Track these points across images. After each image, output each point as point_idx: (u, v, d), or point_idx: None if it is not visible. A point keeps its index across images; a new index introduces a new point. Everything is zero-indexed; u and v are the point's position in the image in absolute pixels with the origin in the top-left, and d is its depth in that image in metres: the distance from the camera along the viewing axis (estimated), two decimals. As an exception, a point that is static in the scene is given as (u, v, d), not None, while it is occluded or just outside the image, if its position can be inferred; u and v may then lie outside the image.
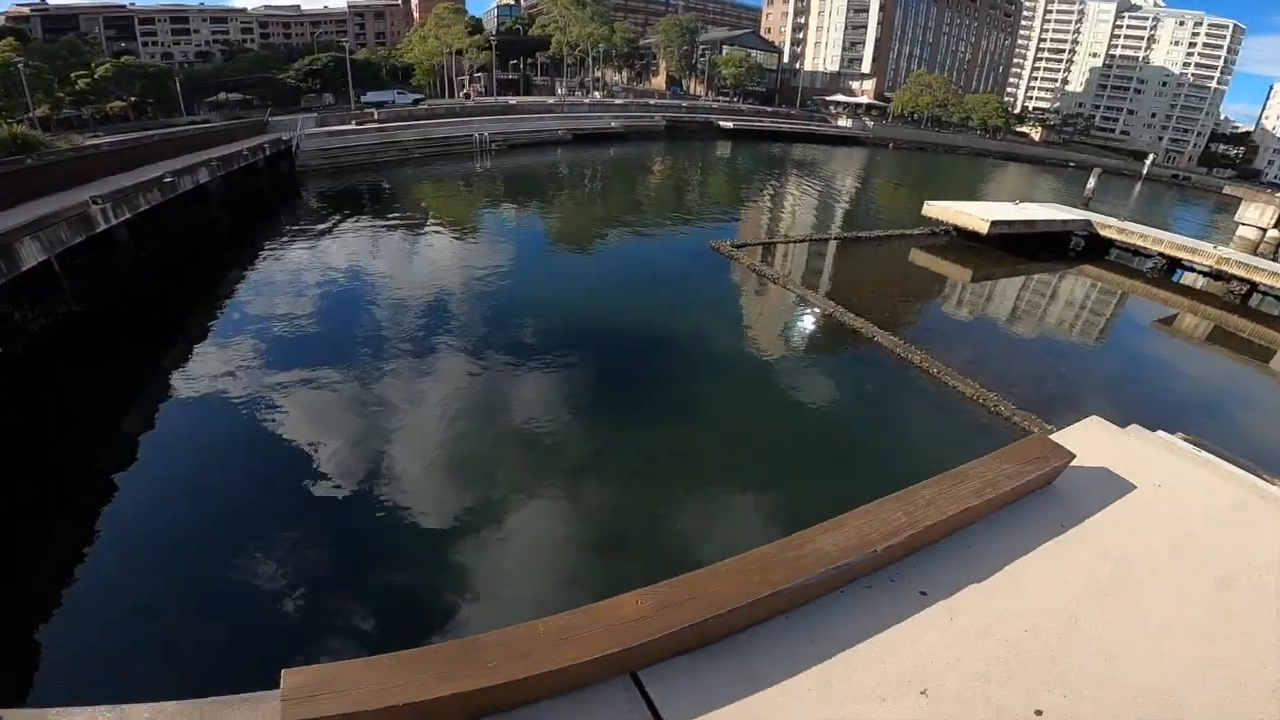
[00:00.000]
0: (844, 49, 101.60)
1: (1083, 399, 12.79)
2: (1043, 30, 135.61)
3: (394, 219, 24.57)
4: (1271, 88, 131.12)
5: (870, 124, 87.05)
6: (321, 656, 5.89)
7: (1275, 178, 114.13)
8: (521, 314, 14.81)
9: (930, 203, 25.48)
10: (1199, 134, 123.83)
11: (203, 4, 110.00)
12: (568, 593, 6.82)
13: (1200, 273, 22.49)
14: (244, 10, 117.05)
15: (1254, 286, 20.08)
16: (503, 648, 2.08)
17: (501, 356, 12.21)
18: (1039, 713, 2.37)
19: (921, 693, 2.41)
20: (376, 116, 47.65)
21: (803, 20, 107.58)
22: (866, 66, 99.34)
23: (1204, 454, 4.69)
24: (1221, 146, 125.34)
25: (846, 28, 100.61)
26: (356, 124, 45.16)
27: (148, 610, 6.45)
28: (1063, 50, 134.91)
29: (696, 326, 14.82)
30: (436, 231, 23.17)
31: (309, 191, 31.12)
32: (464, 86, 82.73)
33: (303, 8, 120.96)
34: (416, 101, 70.42)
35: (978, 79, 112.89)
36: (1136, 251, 24.72)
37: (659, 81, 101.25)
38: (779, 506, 8.47)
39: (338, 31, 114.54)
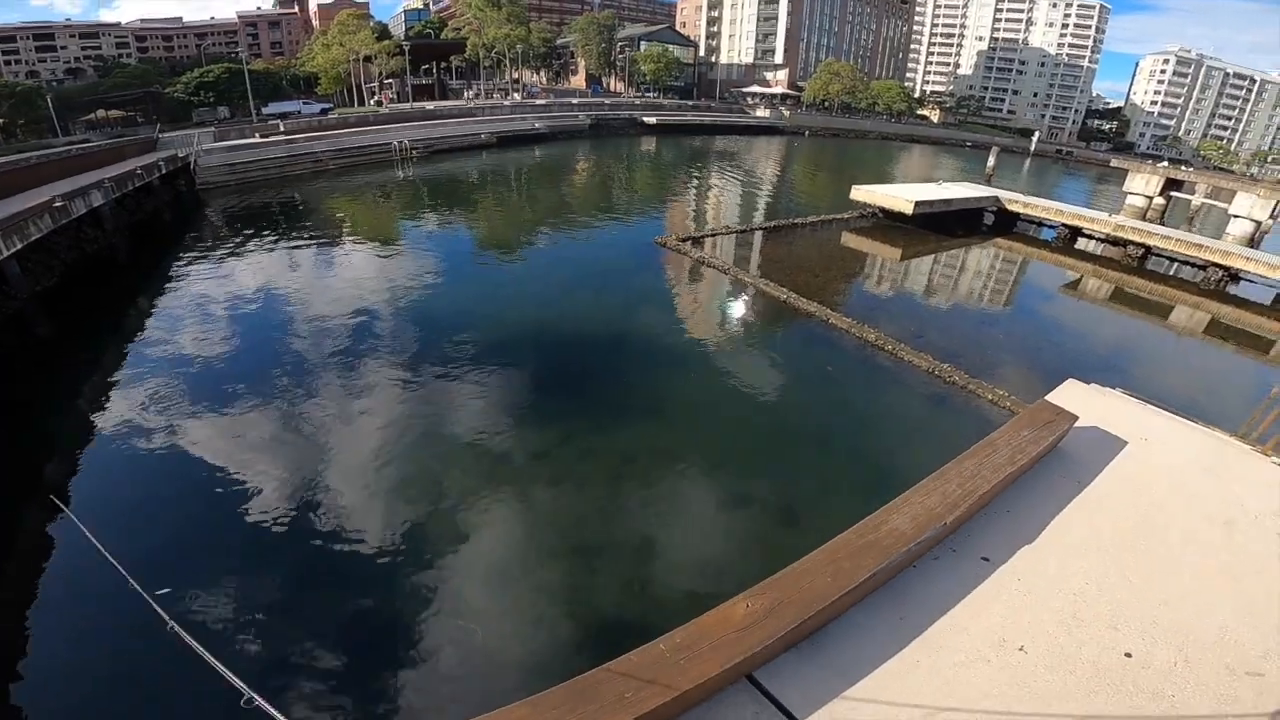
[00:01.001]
0: (757, 40, 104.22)
1: (1019, 362, 13.71)
2: (934, 15, 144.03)
3: (311, 235, 22.98)
4: (1137, 64, 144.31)
5: (786, 113, 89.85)
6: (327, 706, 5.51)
7: (1147, 149, 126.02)
8: (471, 326, 13.97)
9: (857, 187, 26.57)
10: (1076, 110, 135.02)
11: (69, 19, 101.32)
12: (579, 607, 6.67)
13: (1099, 239, 24.52)
14: (117, 24, 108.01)
15: (1149, 249, 22.09)
16: (632, 675, 1.98)
17: (463, 372, 11.69)
18: (1128, 655, 2.52)
19: (1020, 649, 2.52)
20: (282, 128, 44.93)
21: (716, 14, 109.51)
22: (779, 57, 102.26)
23: (1155, 408, 5.11)
24: (1096, 122, 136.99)
25: (758, 19, 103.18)
26: (261, 136, 42.37)
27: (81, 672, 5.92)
28: (953, 35, 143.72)
29: (653, 324, 14.77)
30: (359, 247, 21.76)
31: (213, 210, 28.85)
32: (375, 94, 79.24)
33: (185, 20, 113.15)
34: (325, 111, 66.61)
35: (881, 65, 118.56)
36: (1041, 223, 26.71)
37: (578, 80, 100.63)
38: (772, 493, 8.59)
39: (228, 43, 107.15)
